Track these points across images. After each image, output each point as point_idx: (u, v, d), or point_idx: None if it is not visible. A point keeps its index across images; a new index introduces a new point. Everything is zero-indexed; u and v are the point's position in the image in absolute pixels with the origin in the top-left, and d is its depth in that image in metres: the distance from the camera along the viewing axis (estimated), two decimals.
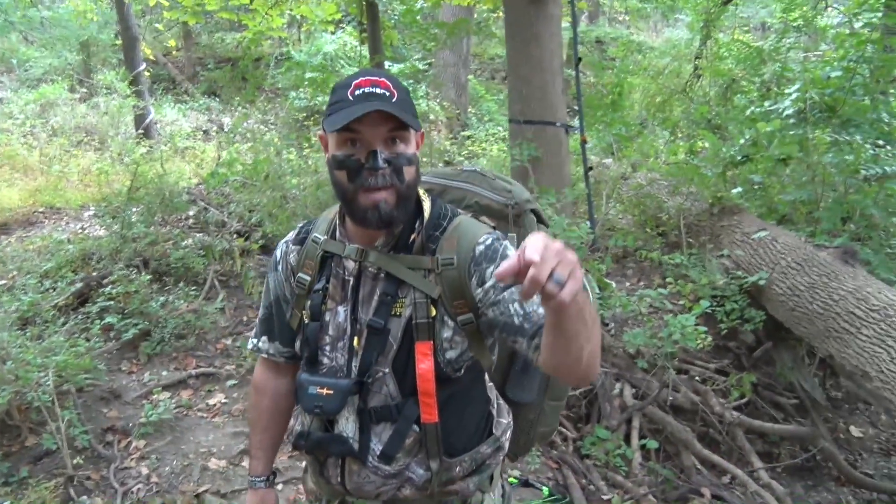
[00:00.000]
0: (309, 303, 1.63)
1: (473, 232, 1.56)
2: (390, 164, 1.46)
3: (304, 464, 1.87)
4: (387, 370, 1.56)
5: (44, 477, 3.61)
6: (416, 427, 1.56)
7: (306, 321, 1.64)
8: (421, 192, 1.62)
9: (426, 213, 1.59)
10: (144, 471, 3.80)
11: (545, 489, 3.08)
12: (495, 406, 1.73)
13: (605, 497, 3.60)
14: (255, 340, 1.82)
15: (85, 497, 3.54)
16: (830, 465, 4.28)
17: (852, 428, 4.78)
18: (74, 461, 3.71)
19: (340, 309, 1.60)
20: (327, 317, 1.61)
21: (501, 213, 1.75)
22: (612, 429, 3.97)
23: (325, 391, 1.55)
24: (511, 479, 2.18)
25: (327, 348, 1.61)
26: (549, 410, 1.90)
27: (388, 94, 1.45)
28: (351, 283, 1.59)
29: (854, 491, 4.24)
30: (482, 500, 1.72)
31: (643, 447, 3.96)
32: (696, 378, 4.42)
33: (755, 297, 4.55)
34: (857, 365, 3.62)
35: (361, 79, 1.46)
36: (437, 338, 1.54)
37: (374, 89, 1.45)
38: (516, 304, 1.44)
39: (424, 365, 1.52)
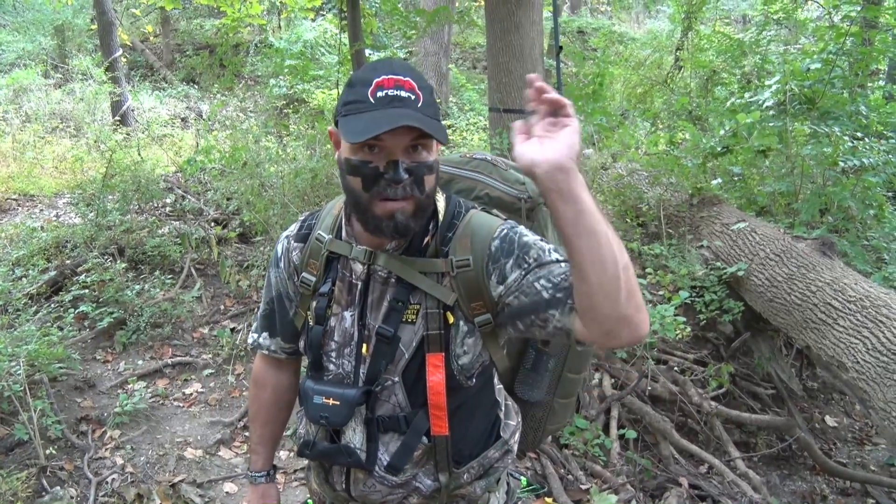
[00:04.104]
0: (314, 304, 1.54)
1: (487, 227, 1.45)
2: (411, 173, 1.34)
3: (307, 463, 1.80)
4: (396, 379, 1.48)
5: (15, 468, 3.55)
6: (425, 439, 1.50)
7: (311, 324, 1.55)
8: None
9: (440, 215, 1.48)
10: (119, 461, 3.75)
11: (523, 479, 3.03)
12: (503, 408, 1.66)
13: (583, 487, 3.60)
14: (255, 336, 1.73)
15: (58, 488, 3.48)
16: (806, 454, 4.33)
17: (827, 418, 4.84)
18: (47, 451, 3.65)
19: (347, 314, 1.51)
20: (332, 322, 1.52)
21: (513, 207, 1.63)
22: (590, 418, 3.98)
23: (330, 401, 1.47)
24: None
25: (333, 354, 1.53)
26: (559, 408, 1.84)
27: (413, 97, 1.32)
28: (359, 287, 1.50)
29: (828, 479, 4.29)
30: (488, 501, 1.66)
31: (622, 437, 3.97)
32: (675, 368, 4.44)
33: (734, 288, 4.57)
34: (833, 355, 3.65)
35: (384, 77, 1.32)
36: (452, 345, 1.46)
37: (398, 92, 1.31)
38: (542, 280, 1.34)
39: (436, 378, 1.44)
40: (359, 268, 1.50)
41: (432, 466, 1.53)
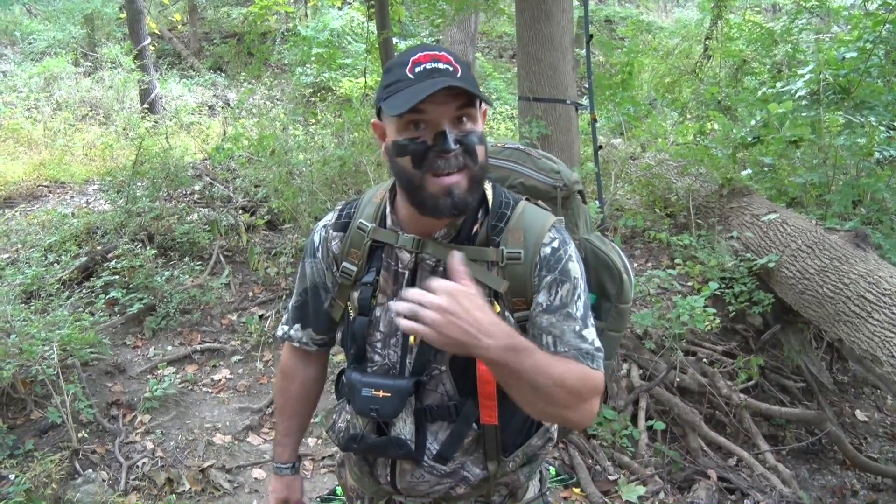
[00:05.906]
0: (357, 295, 1.51)
1: (540, 224, 1.44)
2: (461, 144, 1.32)
3: (338, 455, 1.79)
4: (444, 368, 1.46)
5: (49, 450, 3.61)
6: (475, 426, 1.49)
7: (352, 314, 1.52)
8: None
9: (489, 202, 1.46)
10: (149, 445, 3.80)
11: (552, 469, 3.03)
12: None
13: (611, 477, 3.60)
14: (285, 328, 1.71)
15: (90, 470, 3.54)
16: (836, 448, 4.28)
17: (858, 412, 4.77)
18: (79, 435, 3.71)
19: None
20: (377, 312, 1.49)
21: (549, 195, 1.62)
22: (619, 409, 3.96)
23: (381, 394, 1.44)
24: None
25: (378, 345, 1.51)
26: None
27: (451, 68, 1.31)
28: (406, 276, 1.47)
29: (859, 474, 4.24)
30: (527, 488, 1.66)
31: (650, 428, 3.95)
32: (704, 360, 4.41)
33: (764, 280, 4.52)
34: (867, 349, 3.60)
35: (420, 54, 1.32)
36: None
37: (436, 64, 1.31)
38: (551, 338, 1.39)
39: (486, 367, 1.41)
40: (406, 256, 1.48)
41: (481, 455, 1.52)
